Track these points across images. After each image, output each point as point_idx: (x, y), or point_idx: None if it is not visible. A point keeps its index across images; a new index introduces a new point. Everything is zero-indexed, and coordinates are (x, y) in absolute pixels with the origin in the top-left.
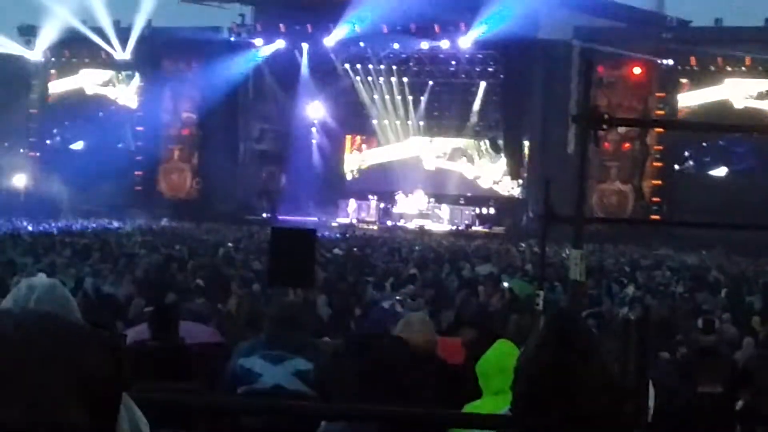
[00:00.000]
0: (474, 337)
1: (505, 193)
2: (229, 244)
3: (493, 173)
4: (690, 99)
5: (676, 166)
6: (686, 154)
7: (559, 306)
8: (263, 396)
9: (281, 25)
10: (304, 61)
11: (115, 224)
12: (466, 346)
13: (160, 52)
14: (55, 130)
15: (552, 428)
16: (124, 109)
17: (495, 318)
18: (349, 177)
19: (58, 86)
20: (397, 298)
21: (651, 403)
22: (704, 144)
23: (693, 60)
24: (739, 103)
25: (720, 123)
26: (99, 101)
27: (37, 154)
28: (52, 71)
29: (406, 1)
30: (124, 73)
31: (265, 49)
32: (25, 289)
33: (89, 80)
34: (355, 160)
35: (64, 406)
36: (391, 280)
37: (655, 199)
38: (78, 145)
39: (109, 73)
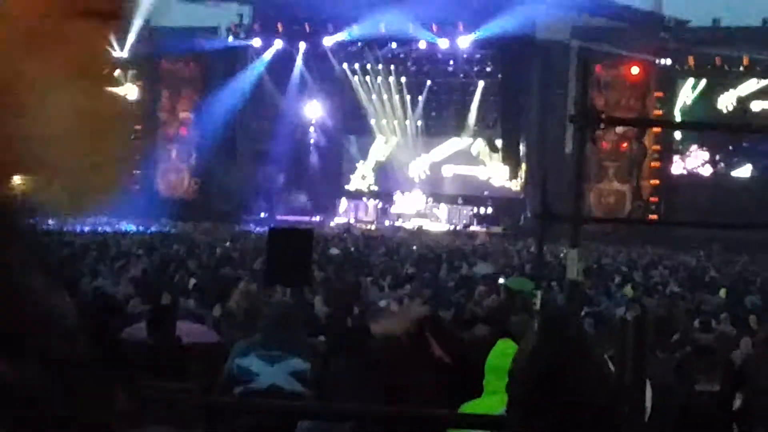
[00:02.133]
0: (486, 335)
1: (503, 193)
2: (227, 244)
3: (491, 173)
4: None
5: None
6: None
7: (554, 307)
8: (259, 396)
9: (279, 24)
10: (302, 61)
11: (113, 224)
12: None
13: (158, 52)
14: None
15: (548, 429)
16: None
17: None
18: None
19: None
20: (395, 297)
21: (648, 402)
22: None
23: (691, 60)
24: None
25: (714, 122)
26: None
27: None
28: None
29: (404, 1)
30: (129, 72)
31: (262, 49)
32: None
33: None
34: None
35: None
36: (389, 280)
37: (652, 198)
38: None
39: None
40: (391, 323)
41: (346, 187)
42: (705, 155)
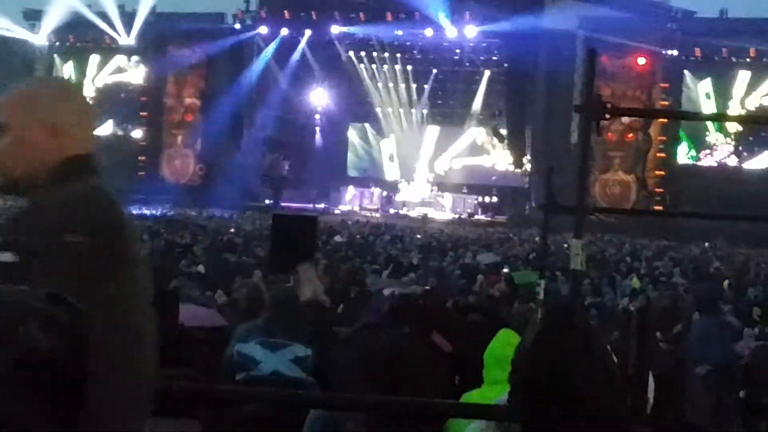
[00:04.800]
0: (479, 322)
1: (508, 182)
2: (231, 230)
3: (495, 161)
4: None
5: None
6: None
7: (556, 298)
8: (261, 382)
9: (286, 12)
10: (308, 49)
11: None
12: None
13: (164, 38)
14: None
15: (550, 421)
16: (135, 93)
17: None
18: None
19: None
20: (399, 285)
21: (651, 395)
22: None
23: (697, 51)
24: None
25: (729, 115)
26: (112, 88)
27: None
28: (56, 55)
29: None
30: (134, 58)
31: (269, 35)
32: None
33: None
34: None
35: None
36: (393, 268)
37: (657, 189)
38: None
39: (120, 59)
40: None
41: (350, 174)
42: (730, 148)
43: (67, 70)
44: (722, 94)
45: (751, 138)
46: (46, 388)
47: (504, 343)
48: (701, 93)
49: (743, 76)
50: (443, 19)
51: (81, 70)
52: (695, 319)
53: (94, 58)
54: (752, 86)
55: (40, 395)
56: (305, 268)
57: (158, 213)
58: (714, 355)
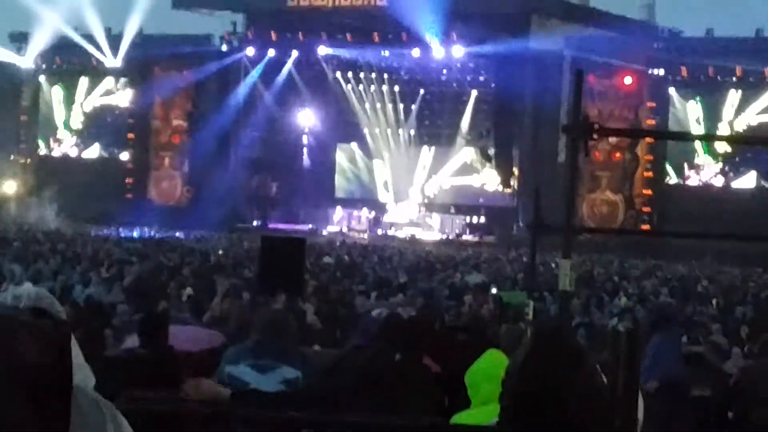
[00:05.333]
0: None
1: (496, 202)
2: (219, 252)
3: (484, 182)
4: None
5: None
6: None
7: (546, 317)
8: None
9: (273, 33)
10: (295, 70)
11: (106, 231)
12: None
13: (151, 60)
14: (50, 138)
15: None
16: (122, 115)
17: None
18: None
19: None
20: (387, 306)
21: (640, 414)
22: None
23: (684, 70)
24: None
25: (716, 134)
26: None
27: (28, 160)
28: (43, 78)
29: (398, 10)
30: (121, 81)
31: (256, 57)
32: (11, 298)
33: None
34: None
35: None
36: (381, 289)
37: (645, 209)
38: (72, 152)
39: (107, 82)
40: None
41: (338, 195)
42: (716, 168)
43: (55, 93)
44: (710, 113)
45: (737, 158)
46: (36, 395)
47: (493, 363)
48: (691, 117)
49: (732, 96)
50: (432, 39)
51: (68, 93)
52: (652, 339)
53: (83, 81)
54: (740, 106)
55: (31, 402)
56: None
57: (146, 235)
58: (664, 371)
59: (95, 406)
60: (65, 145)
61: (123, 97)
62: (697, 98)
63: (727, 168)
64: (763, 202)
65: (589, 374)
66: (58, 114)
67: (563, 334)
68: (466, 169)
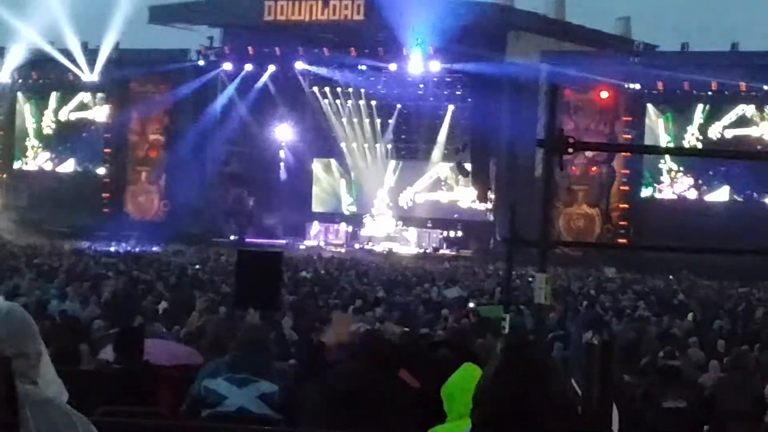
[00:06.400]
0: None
1: (473, 216)
2: (196, 267)
3: (460, 196)
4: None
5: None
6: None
7: (517, 331)
8: (228, 419)
9: (249, 48)
10: (272, 84)
11: (83, 246)
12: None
13: (127, 75)
14: (25, 152)
15: None
16: (98, 130)
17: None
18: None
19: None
20: (364, 320)
21: (615, 427)
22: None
23: (660, 84)
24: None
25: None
26: (74, 125)
27: (3, 176)
28: (19, 93)
29: (375, 25)
30: (98, 95)
31: (233, 71)
32: None
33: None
34: None
35: None
36: (359, 303)
37: (621, 222)
38: (47, 166)
39: (83, 96)
40: (340, 332)
41: (315, 209)
42: (690, 180)
43: (30, 108)
44: (684, 127)
45: (711, 172)
46: None
47: (467, 376)
48: (661, 127)
49: (707, 110)
50: (410, 54)
51: (45, 108)
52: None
53: (59, 96)
54: (713, 120)
55: None
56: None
57: (122, 250)
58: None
59: (68, 420)
60: (40, 159)
61: (100, 112)
62: (668, 115)
63: (700, 182)
64: (736, 215)
65: (559, 387)
66: (34, 129)
67: (531, 348)
68: (443, 184)
